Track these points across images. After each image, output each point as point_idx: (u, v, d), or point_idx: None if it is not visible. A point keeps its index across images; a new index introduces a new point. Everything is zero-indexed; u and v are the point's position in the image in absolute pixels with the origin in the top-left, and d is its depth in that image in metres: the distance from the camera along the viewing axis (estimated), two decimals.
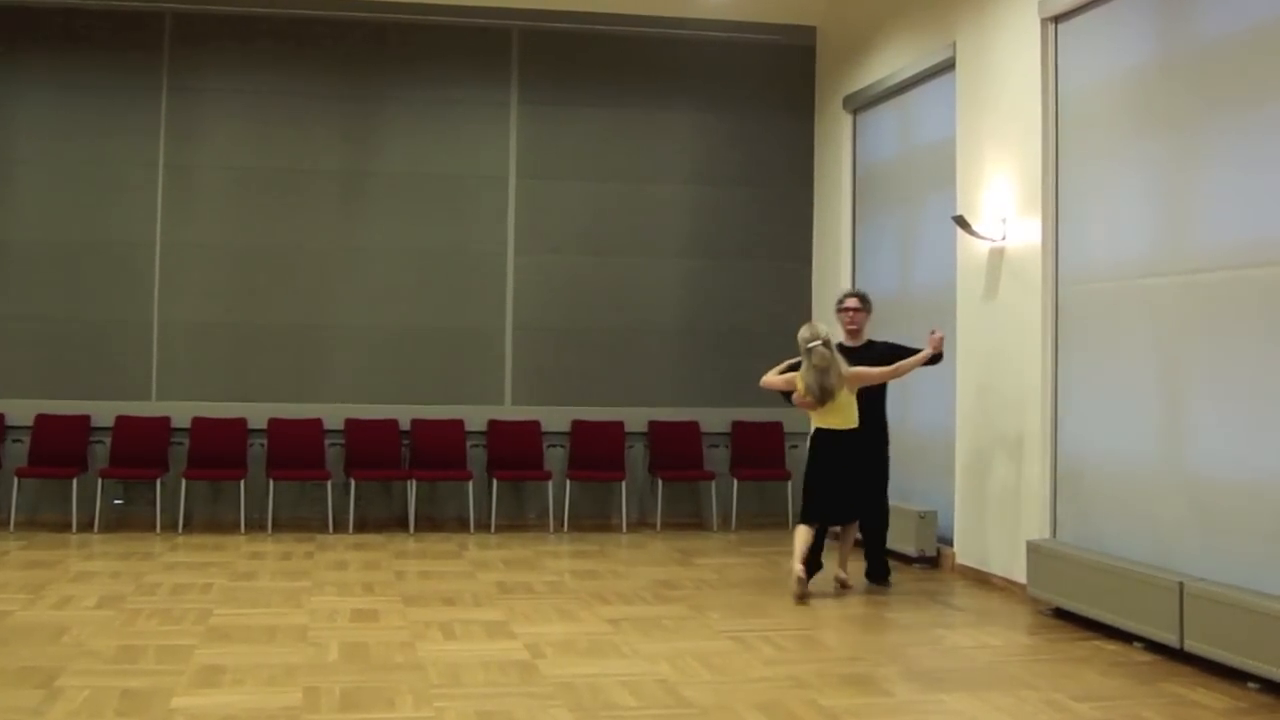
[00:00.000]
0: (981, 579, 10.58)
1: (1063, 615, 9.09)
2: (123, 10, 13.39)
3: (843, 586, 10.28)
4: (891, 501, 11.88)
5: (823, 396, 9.76)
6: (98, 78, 13.41)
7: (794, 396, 9.98)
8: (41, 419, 13.01)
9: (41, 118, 13.37)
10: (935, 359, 10.06)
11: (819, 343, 9.72)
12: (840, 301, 10.74)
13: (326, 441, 13.32)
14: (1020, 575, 9.71)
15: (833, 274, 13.82)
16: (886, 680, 7.36)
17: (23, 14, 13.28)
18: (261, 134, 13.68)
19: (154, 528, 12.73)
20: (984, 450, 10.67)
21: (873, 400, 10.27)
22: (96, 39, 13.40)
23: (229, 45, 13.58)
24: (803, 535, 9.93)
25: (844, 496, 10.08)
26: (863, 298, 10.61)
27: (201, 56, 13.53)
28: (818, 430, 10.11)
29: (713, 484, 13.78)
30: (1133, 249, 8.96)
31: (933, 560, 11.33)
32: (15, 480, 12.68)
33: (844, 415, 9.91)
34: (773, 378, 10.23)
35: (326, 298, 13.60)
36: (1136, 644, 8.21)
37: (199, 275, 13.46)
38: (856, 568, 10.59)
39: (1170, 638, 7.87)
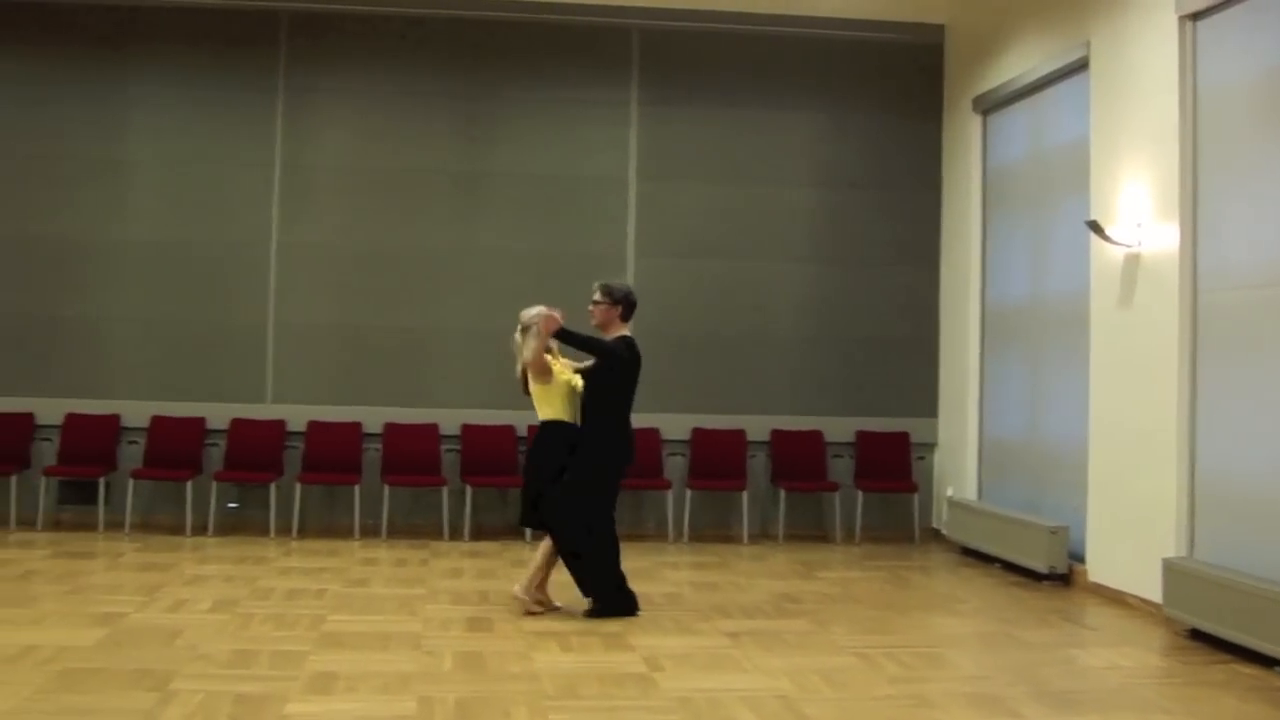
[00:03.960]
0: (1115, 597, 10.26)
1: (1199, 637, 8.79)
2: (238, 10, 13.50)
3: (528, 611, 9.27)
4: (1022, 515, 11.63)
5: (520, 383, 9.58)
6: (213, 78, 13.54)
7: None
8: (157, 421, 13.13)
9: (157, 119, 13.50)
10: (560, 336, 9.29)
11: (519, 327, 9.52)
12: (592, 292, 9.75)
13: (442, 447, 13.27)
14: (1155, 594, 9.40)
15: (961, 280, 13.55)
16: (1014, 701, 7.12)
17: (137, 14, 13.43)
18: (378, 134, 13.70)
19: (268, 532, 12.77)
20: (1118, 463, 10.36)
21: (590, 397, 9.46)
22: (212, 39, 13.52)
23: (345, 45, 13.64)
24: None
25: (528, 496, 9.61)
26: (606, 289, 9.57)
27: (318, 56, 13.60)
28: None
29: (836, 495, 13.54)
30: (1274, 254, 8.65)
31: (1064, 577, 11.01)
32: (130, 482, 12.79)
33: (538, 405, 9.55)
34: None
35: (443, 300, 13.56)
36: (1277, 669, 7.92)
37: (314, 277, 13.50)
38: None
39: None
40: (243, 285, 13.40)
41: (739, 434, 13.61)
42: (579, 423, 9.44)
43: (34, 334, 13.18)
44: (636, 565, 11.46)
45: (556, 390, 9.41)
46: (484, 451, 13.19)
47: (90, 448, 12.98)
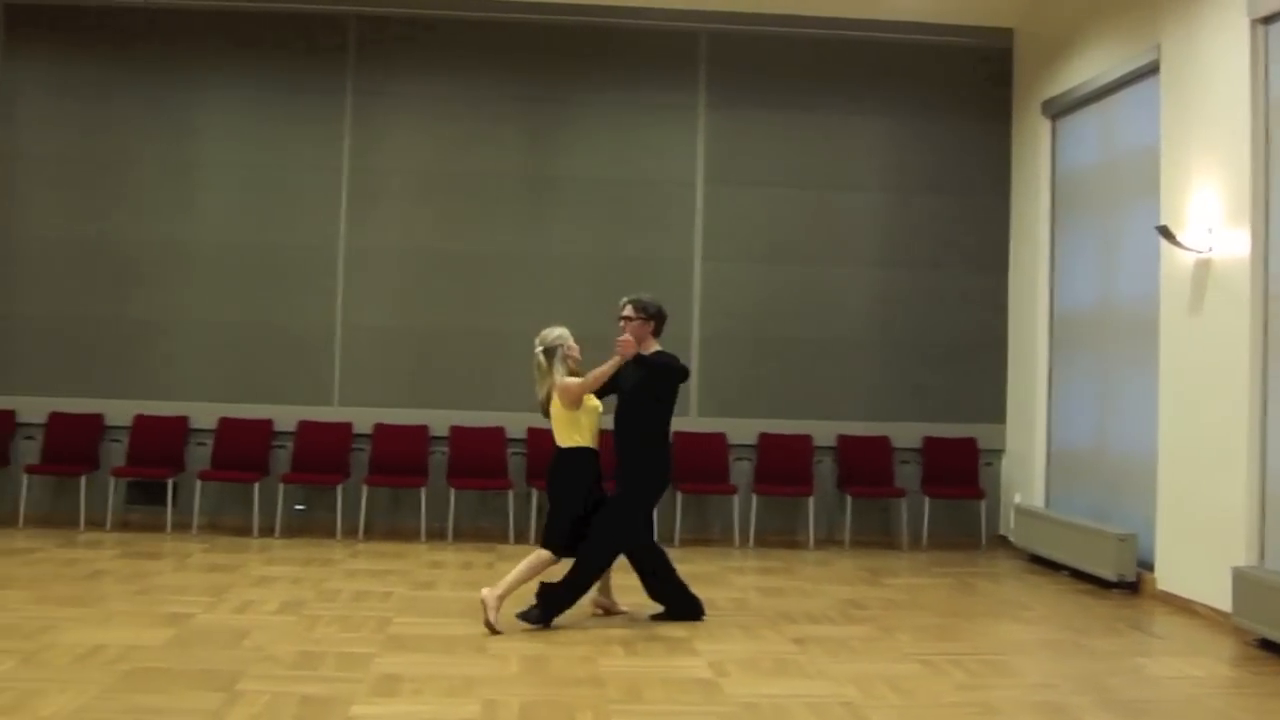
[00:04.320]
0: (1183, 606, 10.16)
1: (1270, 647, 8.70)
2: (307, 14, 13.66)
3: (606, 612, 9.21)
4: (1090, 522, 11.53)
5: (542, 406, 9.24)
6: (282, 82, 13.73)
7: None
8: (225, 423, 13.29)
9: (226, 122, 13.70)
10: (638, 361, 9.01)
11: (540, 349, 9.17)
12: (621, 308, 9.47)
13: (509, 450, 13.32)
14: (1225, 603, 9.30)
15: (1029, 285, 13.46)
16: (1081, 710, 7.06)
17: (207, 18, 13.62)
18: (446, 138, 13.81)
19: (334, 534, 12.87)
20: (1188, 471, 10.26)
21: (623, 419, 9.26)
22: (281, 43, 13.71)
23: (413, 49, 13.78)
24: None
25: (561, 525, 9.10)
26: (639, 305, 9.36)
27: (386, 60, 13.73)
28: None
29: (903, 501, 13.48)
30: None
31: (1132, 585, 10.92)
32: (198, 483, 12.97)
33: (563, 430, 9.19)
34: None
35: (510, 303, 13.59)
36: None
37: (381, 280, 13.60)
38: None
39: None
40: (310, 288, 13.52)
41: (805, 439, 13.57)
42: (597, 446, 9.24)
43: (104, 336, 13.38)
44: (702, 570, 11.48)
45: (585, 415, 9.18)
46: (549, 455, 13.16)
47: (159, 449, 13.16)
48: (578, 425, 9.16)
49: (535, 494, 12.96)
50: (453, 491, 12.99)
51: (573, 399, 9.09)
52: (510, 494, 13.03)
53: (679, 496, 13.11)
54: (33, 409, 13.22)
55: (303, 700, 6.75)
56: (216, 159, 13.62)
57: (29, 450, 13.17)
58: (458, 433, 13.30)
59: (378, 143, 13.70)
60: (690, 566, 11.70)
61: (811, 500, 13.29)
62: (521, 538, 12.90)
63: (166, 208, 13.51)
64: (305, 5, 13.60)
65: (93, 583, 10.12)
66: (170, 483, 13.00)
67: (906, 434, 13.74)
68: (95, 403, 13.26)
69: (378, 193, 13.66)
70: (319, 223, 13.58)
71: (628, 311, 9.34)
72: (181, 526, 12.90)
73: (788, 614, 9.62)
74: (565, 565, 9.06)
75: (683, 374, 9.25)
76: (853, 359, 13.87)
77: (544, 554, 9.01)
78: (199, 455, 13.24)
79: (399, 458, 13.15)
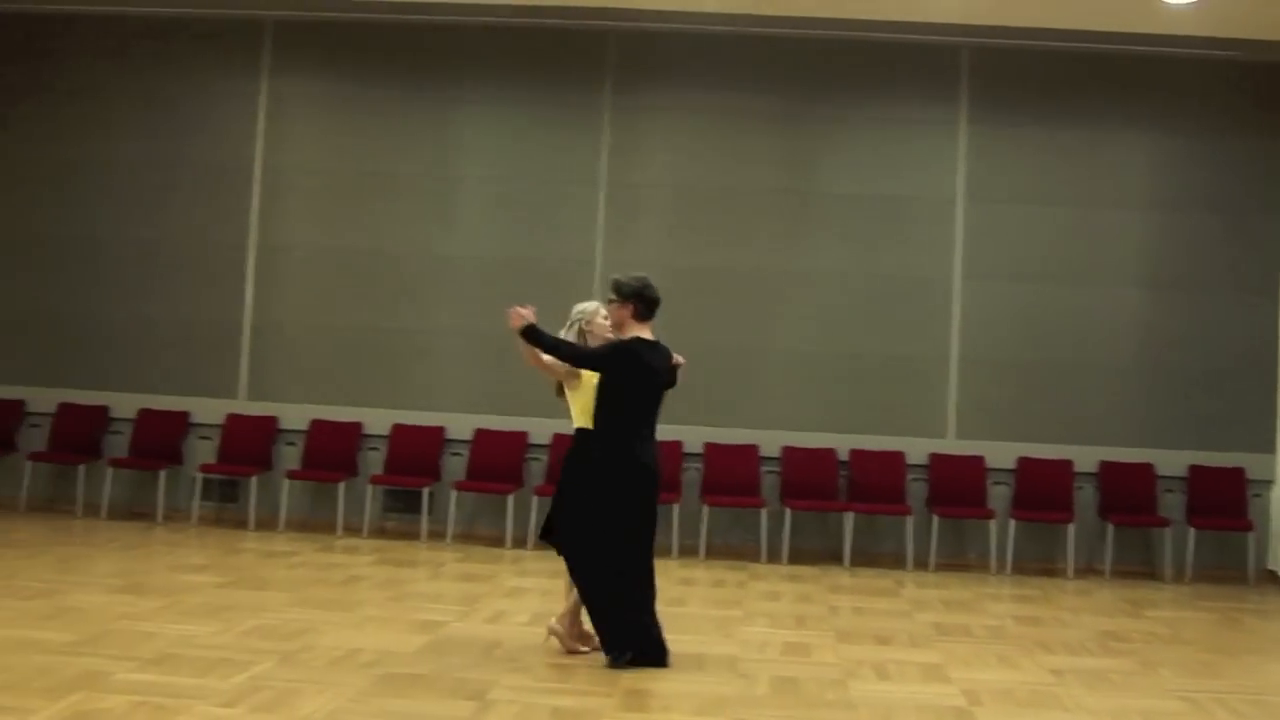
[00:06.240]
0: None
1: None
2: (567, 30, 13.81)
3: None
4: None
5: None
6: (541, 96, 13.90)
7: None
8: (480, 434, 13.49)
9: (484, 137, 13.96)
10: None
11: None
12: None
13: (762, 468, 13.23)
14: None
15: None
16: None
17: (467, 33, 13.89)
18: (703, 153, 13.80)
19: None
20: None
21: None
22: (540, 58, 13.89)
23: (671, 64, 13.82)
24: None
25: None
26: (615, 285, 9.01)
27: (644, 76, 13.82)
28: None
29: (1167, 531, 13.03)
30: None
31: None
32: (453, 493, 13.16)
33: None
34: None
35: (765, 320, 13.54)
36: None
37: None
38: None
39: None
40: (570, 301, 13.53)
41: (1066, 464, 13.22)
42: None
43: (363, 345, 13.73)
44: (957, 596, 11.32)
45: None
46: (804, 474, 13.11)
47: (415, 458, 13.41)
48: None
49: (788, 513, 12.87)
50: (705, 508, 12.96)
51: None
52: (763, 512, 12.92)
53: (934, 520, 12.90)
54: (295, 416, 13.63)
55: (553, 712, 6.81)
56: (475, 173, 13.88)
57: (290, 456, 13.58)
58: (712, 450, 13.28)
59: (635, 158, 13.79)
60: (945, 592, 11.59)
61: (1071, 527, 12.93)
62: (774, 557, 12.81)
63: (425, 221, 13.82)
64: (565, 21, 13.75)
65: (349, 588, 10.37)
66: (426, 492, 13.25)
67: (1171, 462, 13.29)
68: (354, 411, 13.60)
69: (635, 208, 13.75)
70: (577, 237, 13.71)
71: (610, 295, 8.89)
72: (436, 535, 13.15)
73: (1045, 643, 9.39)
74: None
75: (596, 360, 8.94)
76: (1116, 382, 13.48)
77: None
78: (454, 465, 13.46)
79: None
